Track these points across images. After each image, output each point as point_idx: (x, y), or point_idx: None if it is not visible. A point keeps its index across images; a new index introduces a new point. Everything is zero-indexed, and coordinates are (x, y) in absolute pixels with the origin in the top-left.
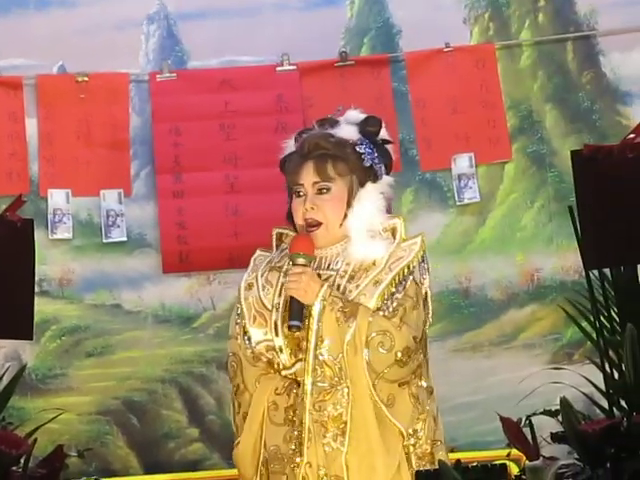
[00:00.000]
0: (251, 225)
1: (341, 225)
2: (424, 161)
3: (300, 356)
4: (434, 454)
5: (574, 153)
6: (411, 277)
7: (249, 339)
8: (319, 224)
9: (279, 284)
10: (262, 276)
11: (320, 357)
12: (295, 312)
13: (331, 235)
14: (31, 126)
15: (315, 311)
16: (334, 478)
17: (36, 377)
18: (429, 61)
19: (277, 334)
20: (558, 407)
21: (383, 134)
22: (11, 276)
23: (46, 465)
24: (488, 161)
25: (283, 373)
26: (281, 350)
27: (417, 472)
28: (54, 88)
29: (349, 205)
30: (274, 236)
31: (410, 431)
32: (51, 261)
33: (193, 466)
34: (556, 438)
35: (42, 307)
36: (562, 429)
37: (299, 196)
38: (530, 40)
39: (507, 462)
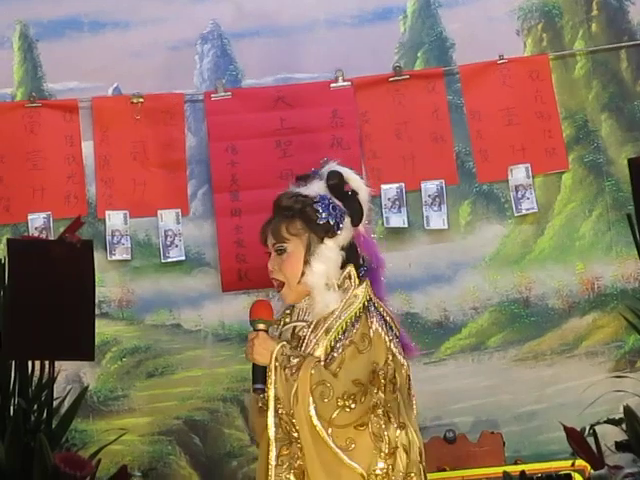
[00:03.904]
0: None
1: (299, 282)
2: (481, 173)
3: None
4: None
5: (631, 161)
6: (358, 323)
7: None
8: (283, 283)
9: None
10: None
11: (278, 414)
12: (257, 375)
13: (295, 291)
14: (87, 148)
15: (270, 371)
16: None
17: (98, 399)
18: (483, 73)
19: None
20: (622, 415)
21: (357, 185)
22: (72, 297)
23: None
24: (545, 171)
25: None
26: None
27: None
28: (110, 110)
29: (306, 262)
30: None
31: (377, 470)
32: (110, 282)
33: None
34: (620, 446)
35: (102, 329)
36: (626, 437)
37: (269, 257)
38: (584, 50)
39: (572, 472)
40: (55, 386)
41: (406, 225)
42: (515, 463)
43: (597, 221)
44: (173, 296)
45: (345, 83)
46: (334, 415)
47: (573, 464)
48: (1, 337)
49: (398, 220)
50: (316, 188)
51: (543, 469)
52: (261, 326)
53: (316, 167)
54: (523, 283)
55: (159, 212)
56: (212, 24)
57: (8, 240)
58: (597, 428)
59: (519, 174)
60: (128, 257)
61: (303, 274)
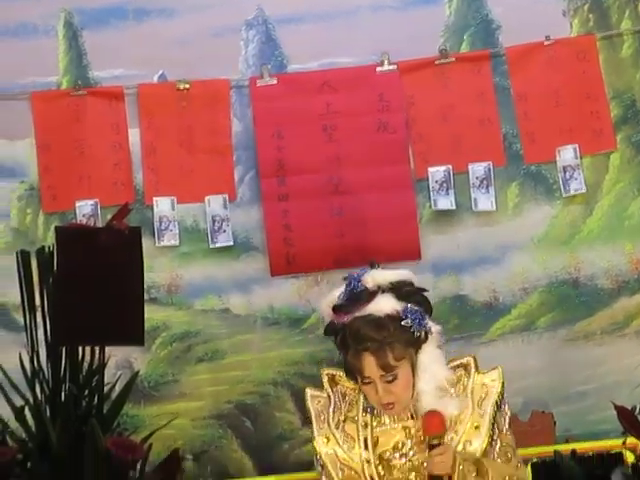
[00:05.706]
0: (356, 225)
1: (412, 395)
2: (528, 154)
3: None
4: None
5: None
6: (501, 409)
7: None
8: (394, 404)
9: (361, 437)
10: (338, 428)
11: None
12: None
13: (405, 406)
14: (134, 136)
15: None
16: None
17: (148, 384)
18: (530, 55)
19: None
20: None
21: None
22: (121, 283)
23: (163, 469)
24: (593, 152)
25: None
26: None
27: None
28: (155, 97)
29: (414, 374)
30: (325, 377)
31: None
32: (159, 268)
33: (307, 467)
34: None
35: (151, 314)
36: None
37: (368, 383)
38: (631, 29)
39: (623, 450)
40: (105, 372)
41: (454, 207)
42: (566, 442)
43: None
44: (221, 281)
45: (391, 67)
46: None
47: (624, 442)
48: (52, 324)
49: (446, 202)
50: (386, 302)
51: (594, 448)
52: (436, 441)
53: (363, 151)
54: (572, 264)
55: (206, 198)
56: (257, 10)
57: (56, 228)
58: None
59: (567, 155)
60: (176, 243)
61: (414, 387)
